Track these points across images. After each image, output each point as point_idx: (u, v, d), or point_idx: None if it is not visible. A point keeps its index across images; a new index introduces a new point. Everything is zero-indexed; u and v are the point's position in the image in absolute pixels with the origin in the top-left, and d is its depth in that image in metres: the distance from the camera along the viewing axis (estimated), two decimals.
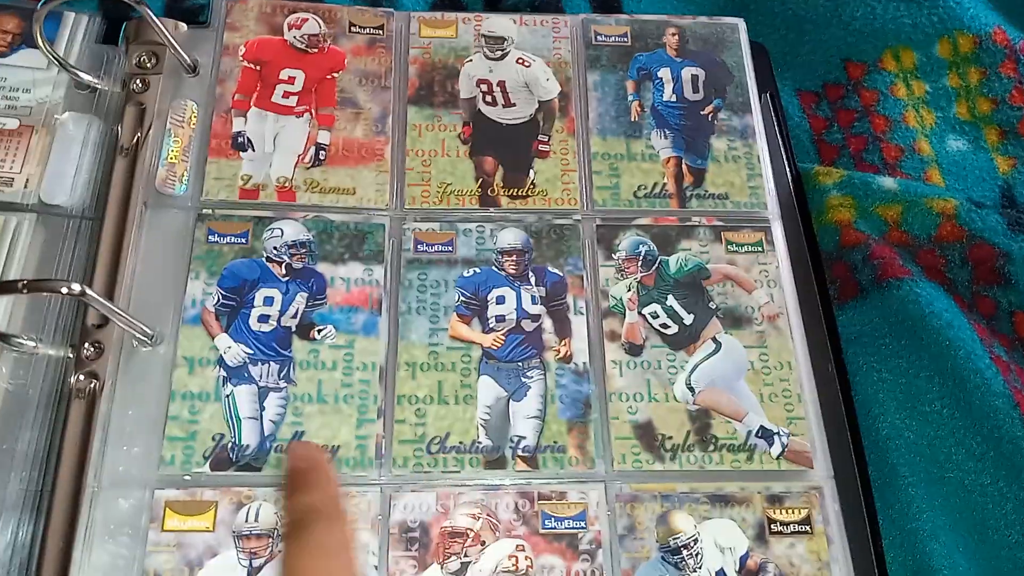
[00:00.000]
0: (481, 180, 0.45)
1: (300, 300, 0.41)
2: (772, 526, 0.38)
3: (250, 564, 0.35)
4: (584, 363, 0.41)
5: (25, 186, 0.42)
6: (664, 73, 0.48)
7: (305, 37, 0.47)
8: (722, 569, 0.37)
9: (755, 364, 0.41)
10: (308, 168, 0.44)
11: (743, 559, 0.37)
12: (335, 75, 0.46)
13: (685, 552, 0.37)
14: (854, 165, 0.50)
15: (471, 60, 0.48)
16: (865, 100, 0.52)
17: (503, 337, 0.41)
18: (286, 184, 0.43)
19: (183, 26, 0.46)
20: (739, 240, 0.44)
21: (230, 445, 0.38)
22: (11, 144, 0.43)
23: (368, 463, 0.38)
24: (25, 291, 0.34)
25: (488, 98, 0.47)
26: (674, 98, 0.48)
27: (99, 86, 0.44)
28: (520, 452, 0.39)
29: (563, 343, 0.41)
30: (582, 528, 0.37)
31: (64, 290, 0.34)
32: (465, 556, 0.36)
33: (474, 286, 0.42)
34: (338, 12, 0.48)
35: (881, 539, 0.39)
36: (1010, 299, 0.44)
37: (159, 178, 0.42)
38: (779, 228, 0.45)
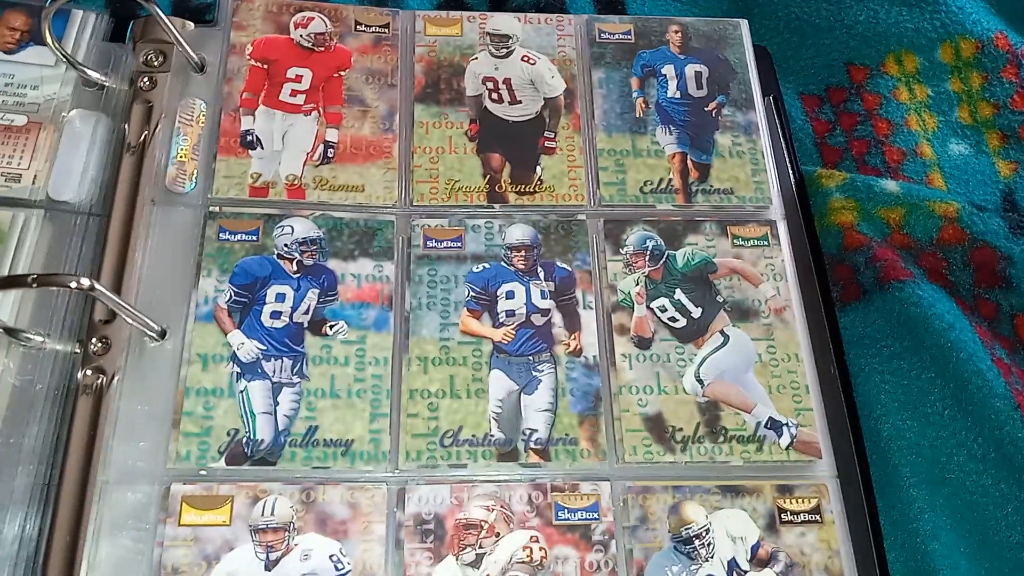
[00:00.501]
0: (489, 176, 0.45)
1: (312, 296, 0.41)
2: (782, 515, 0.38)
3: (267, 557, 0.36)
4: (594, 356, 0.41)
5: (33, 182, 0.42)
6: (668, 70, 0.49)
7: (312, 36, 0.47)
8: (734, 558, 0.38)
9: (763, 356, 0.42)
10: (317, 166, 0.44)
11: (754, 548, 0.38)
12: (342, 73, 0.47)
13: (697, 542, 0.37)
14: (856, 168, 0.51)
15: (476, 58, 0.48)
16: (867, 104, 0.52)
17: (513, 332, 0.41)
18: (295, 182, 0.43)
19: (190, 24, 0.46)
20: (745, 234, 0.45)
21: (245, 440, 0.38)
22: (19, 141, 0.43)
23: (382, 457, 0.38)
24: (35, 285, 0.34)
25: (494, 95, 0.47)
26: (678, 94, 0.48)
27: (107, 84, 0.45)
28: (532, 445, 0.39)
29: (573, 337, 0.42)
30: (595, 519, 0.38)
31: (73, 284, 0.34)
32: (480, 547, 0.37)
33: (484, 281, 0.42)
34: (344, 11, 0.48)
35: (883, 539, 0.39)
36: (1011, 302, 0.44)
37: (169, 176, 0.42)
38: (784, 228, 0.45)
